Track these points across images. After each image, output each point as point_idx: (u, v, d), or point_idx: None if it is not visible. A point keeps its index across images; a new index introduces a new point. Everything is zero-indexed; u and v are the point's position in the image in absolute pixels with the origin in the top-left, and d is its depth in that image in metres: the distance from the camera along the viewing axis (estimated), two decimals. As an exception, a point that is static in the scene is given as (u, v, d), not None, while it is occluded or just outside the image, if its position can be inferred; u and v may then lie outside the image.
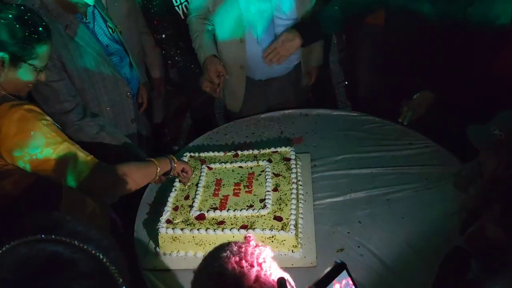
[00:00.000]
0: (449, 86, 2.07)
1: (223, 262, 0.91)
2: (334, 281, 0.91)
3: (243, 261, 0.91)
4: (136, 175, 1.63)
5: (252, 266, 0.90)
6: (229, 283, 0.87)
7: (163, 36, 2.49)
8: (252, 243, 0.97)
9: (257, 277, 0.89)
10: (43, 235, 0.69)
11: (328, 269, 0.92)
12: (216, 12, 2.31)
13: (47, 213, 0.78)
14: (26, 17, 1.44)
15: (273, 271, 0.92)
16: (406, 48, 2.19)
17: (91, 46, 1.87)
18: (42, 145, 1.46)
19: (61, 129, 1.59)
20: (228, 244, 0.97)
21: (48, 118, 1.52)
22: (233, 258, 0.91)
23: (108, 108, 1.99)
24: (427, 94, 2.16)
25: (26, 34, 1.42)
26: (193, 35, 2.37)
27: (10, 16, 1.41)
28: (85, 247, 0.71)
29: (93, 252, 0.71)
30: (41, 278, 0.66)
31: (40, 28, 1.46)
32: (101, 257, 0.71)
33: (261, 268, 0.90)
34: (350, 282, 0.94)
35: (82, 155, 1.54)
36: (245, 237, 1.00)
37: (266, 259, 0.94)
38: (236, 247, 0.95)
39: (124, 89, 2.04)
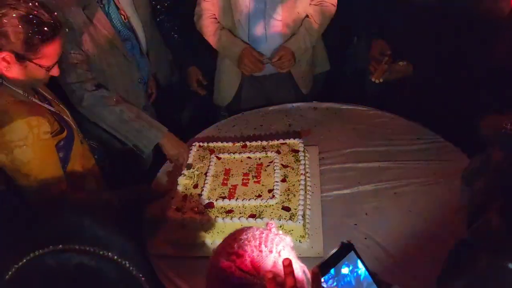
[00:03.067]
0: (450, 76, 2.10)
1: (243, 244, 0.91)
2: (342, 263, 0.90)
3: (263, 246, 0.91)
4: None
5: (271, 252, 0.90)
6: (247, 265, 0.87)
7: (158, 6, 2.44)
8: (274, 230, 0.97)
9: (275, 264, 0.89)
10: (66, 245, 0.67)
11: (334, 250, 0.91)
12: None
13: (65, 217, 0.75)
14: (31, 16, 1.40)
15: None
16: (410, 42, 2.20)
17: (106, 29, 1.89)
18: (26, 161, 1.49)
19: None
20: (249, 228, 0.97)
21: (47, 137, 1.54)
22: (253, 241, 0.91)
23: (123, 93, 2.02)
24: (410, 66, 2.20)
25: (29, 34, 1.40)
26: (214, 34, 2.36)
27: (14, 15, 1.39)
28: (110, 255, 0.69)
29: (118, 260, 0.69)
30: None
31: (46, 28, 1.43)
32: (127, 265, 0.70)
33: (279, 256, 0.90)
34: (360, 264, 0.93)
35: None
36: (267, 224, 1.00)
37: (285, 247, 0.94)
38: (257, 232, 0.95)
39: (136, 75, 2.07)
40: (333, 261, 0.90)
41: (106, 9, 1.93)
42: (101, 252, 0.68)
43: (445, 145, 2.09)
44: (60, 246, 0.67)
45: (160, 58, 2.51)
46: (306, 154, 2.00)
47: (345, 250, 0.92)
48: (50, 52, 1.48)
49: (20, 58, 1.44)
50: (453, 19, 2.06)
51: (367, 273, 0.94)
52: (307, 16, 2.35)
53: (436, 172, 1.93)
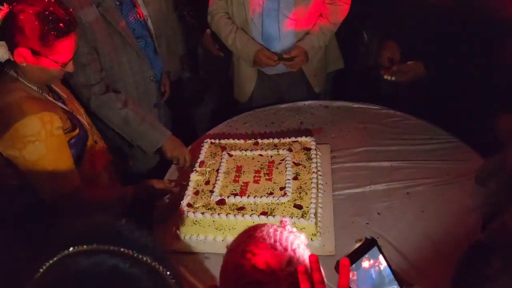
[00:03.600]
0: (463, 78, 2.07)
1: (258, 242, 0.91)
2: (364, 257, 0.91)
3: (278, 244, 0.90)
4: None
5: (286, 250, 0.90)
6: (261, 263, 0.87)
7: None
8: (288, 228, 0.97)
9: (290, 262, 0.88)
10: (101, 245, 0.63)
11: (358, 244, 0.92)
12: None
13: (100, 215, 0.70)
14: (47, 13, 1.42)
15: (305, 259, 0.92)
16: (422, 41, 2.18)
17: (120, 26, 1.90)
18: (39, 157, 1.49)
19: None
20: (264, 225, 0.96)
21: (60, 132, 1.54)
22: (268, 239, 0.91)
23: (133, 90, 2.03)
24: (420, 65, 2.19)
25: (45, 30, 1.42)
26: (228, 36, 2.36)
27: (31, 11, 1.40)
28: (145, 258, 0.64)
29: (152, 264, 0.65)
30: None
31: (61, 24, 1.44)
32: (161, 269, 0.65)
33: (294, 254, 0.90)
34: (382, 259, 0.94)
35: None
36: (281, 222, 1.00)
37: (300, 245, 0.93)
38: (272, 229, 0.94)
39: (148, 73, 2.08)
40: (356, 255, 0.91)
41: (121, 6, 1.94)
42: (136, 255, 0.64)
43: (458, 145, 2.07)
44: (95, 245, 0.63)
45: (171, 54, 2.51)
46: (318, 153, 1.99)
47: (369, 245, 0.93)
48: (65, 48, 1.49)
49: (36, 54, 1.45)
50: (467, 19, 2.04)
51: (388, 269, 0.94)
52: (320, 15, 2.34)
53: (449, 172, 1.92)
